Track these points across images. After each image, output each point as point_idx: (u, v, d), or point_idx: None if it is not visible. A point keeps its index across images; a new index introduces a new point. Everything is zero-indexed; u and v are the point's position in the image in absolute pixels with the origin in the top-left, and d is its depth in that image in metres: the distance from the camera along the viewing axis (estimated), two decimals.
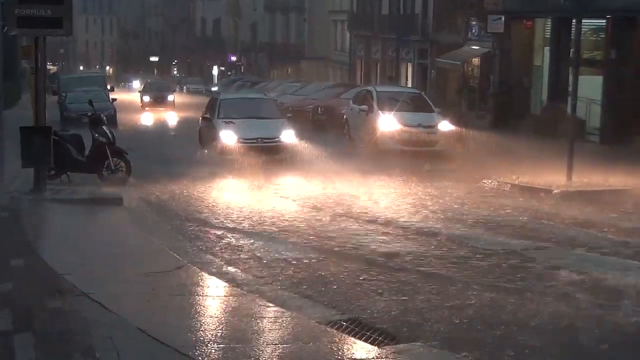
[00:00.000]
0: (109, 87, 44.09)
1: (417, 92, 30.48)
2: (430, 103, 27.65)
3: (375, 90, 27.97)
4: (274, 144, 22.86)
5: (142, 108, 51.76)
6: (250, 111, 24.40)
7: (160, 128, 40.04)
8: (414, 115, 25.70)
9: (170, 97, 53.06)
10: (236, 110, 24.29)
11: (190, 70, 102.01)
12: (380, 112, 25.83)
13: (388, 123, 25.13)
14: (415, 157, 23.68)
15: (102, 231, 12.47)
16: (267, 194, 17.48)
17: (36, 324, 7.42)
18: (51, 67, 76.58)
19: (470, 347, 7.34)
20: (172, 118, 45.94)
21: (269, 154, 22.33)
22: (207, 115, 25.28)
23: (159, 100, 52.40)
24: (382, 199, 16.88)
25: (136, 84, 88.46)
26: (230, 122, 23.29)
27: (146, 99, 52.85)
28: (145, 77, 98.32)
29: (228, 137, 22.75)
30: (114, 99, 37.39)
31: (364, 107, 26.88)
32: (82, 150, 17.96)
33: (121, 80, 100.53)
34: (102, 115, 18.99)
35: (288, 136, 23.25)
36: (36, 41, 15.77)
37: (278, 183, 19.12)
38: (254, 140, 22.64)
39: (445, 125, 25.89)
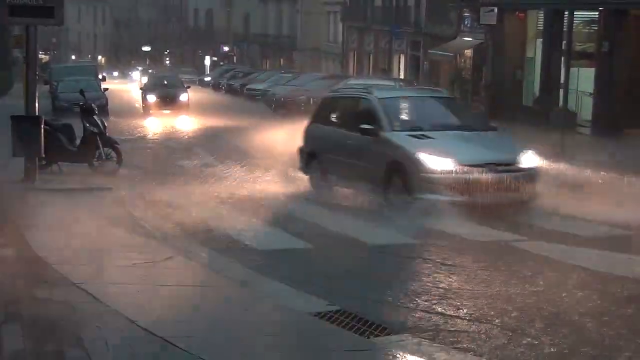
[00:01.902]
0: (100, 76, 44.07)
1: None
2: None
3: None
4: (512, 172, 13.78)
5: (146, 112, 39.49)
6: (439, 117, 15.49)
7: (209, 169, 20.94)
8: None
9: (183, 97, 40.09)
10: (419, 117, 15.50)
11: (182, 61, 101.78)
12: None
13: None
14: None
15: (92, 221, 12.43)
16: None
17: (25, 314, 7.40)
18: (43, 57, 76.28)
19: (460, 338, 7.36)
20: (204, 134, 30.12)
21: (503, 191, 13.58)
22: (346, 130, 15.65)
23: (168, 100, 39.58)
24: None
25: (136, 75, 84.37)
26: (423, 136, 14.26)
27: (151, 98, 39.96)
28: (132, 68, 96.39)
29: (436, 163, 13.48)
30: (106, 89, 37.33)
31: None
32: (73, 140, 17.94)
33: (112, 71, 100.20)
34: (93, 104, 18.97)
35: (528, 159, 14.26)
36: (27, 30, 15.72)
37: None
38: (482, 167, 13.53)
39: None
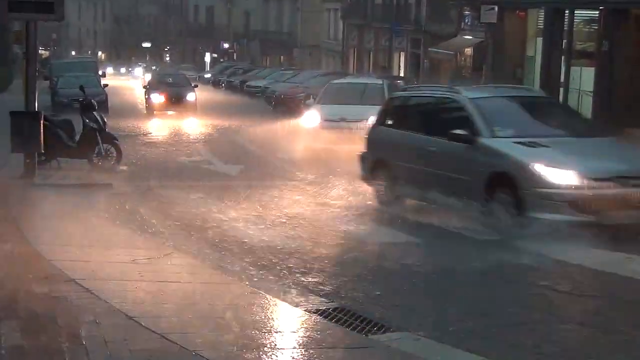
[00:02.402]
0: (100, 72, 44.06)
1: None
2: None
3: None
4: None
5: (149, 112, 36.68)
6: (546, 121, 13.73)
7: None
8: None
9: (190, 97, 36.96)
10: (522, 122, 13.54)
11: (183, 57, 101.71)
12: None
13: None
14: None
15: (91, 217, 12.44)
16: None
17: (23, 310, 7.40)
18: (43, 52, 76.23)
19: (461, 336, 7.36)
20: (222, 141, 26.59)
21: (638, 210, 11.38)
22: (427, 135, 13.69)
23: (174, 100, 36.49)
24: None
25: (138, 71, 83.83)
26: (534, 144, 12.26)
27: (156, 98, 36.69)
28: (133, 64, 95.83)
29: (556, 176, 11.47)
30: (106, 85, 37.33)
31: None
32: (72, 136, 17.93)
33: (119, 67, 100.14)
34: (93, 100, 18.97)
35: None
36: (27, 26, 15.71)
37: None
38: (611, 180, 11.52)
39: None
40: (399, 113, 15.00)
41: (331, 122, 22.42)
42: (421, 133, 13.81)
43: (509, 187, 11.68)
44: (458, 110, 13.27)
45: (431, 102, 14.45)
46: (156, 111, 36.15)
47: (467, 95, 13.45)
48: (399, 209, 13.77)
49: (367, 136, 15.63)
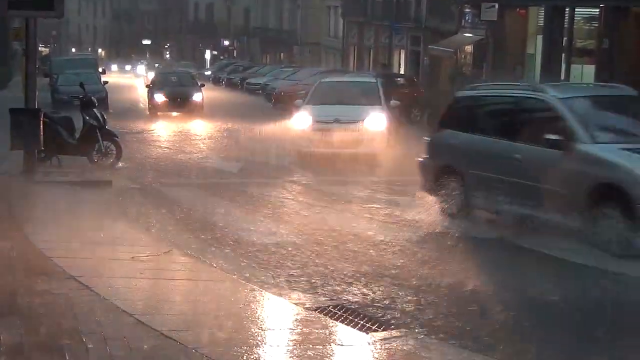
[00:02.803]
0: (100, 69, 44.03)
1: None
2: None
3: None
4: None
5: (152, 113, 34.22)
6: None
7: None
8: None
9: (197, 97, 34.77)
10: (626, 125, 12.38)
11: (182, 54, 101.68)
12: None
13: None
14: None
15: (91, 214, 12.43)
16: None
17: (23, 306, 7.40)
18: (43, 49, 76.13)
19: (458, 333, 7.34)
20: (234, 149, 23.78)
21: None
22: (508, 140, 12.24)
23: (179, 101, 34.20)
24: None
25: (141, 69, 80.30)
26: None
27: (159, 98, 34.21)
28: (135, 62, 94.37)
29: None
30: (106, 82, 37.30)
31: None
32: (72, 133, 17.92)
33: (105, 63, 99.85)
34: (93, 97, 18.95)
35: None
36: (27, 23, 15.69)
37: None
38: None
39: None
40: (470, 115, 13.52)
41: (324, 123, 20.26)
42: (501, 137, 12.35)
43: (618, 200, 10.39)
44: (546, 111, 11.87)
45: (511, 102, 12.84)
46: (160, 112, 33.84)
47: (556, 94, 11.94)
48: (476, 225, 12.44)
49: (431, 141, 14.10)
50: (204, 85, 37.77)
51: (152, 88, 35.47)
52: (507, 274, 9.83)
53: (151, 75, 49.72)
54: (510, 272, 9.95)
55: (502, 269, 10.14)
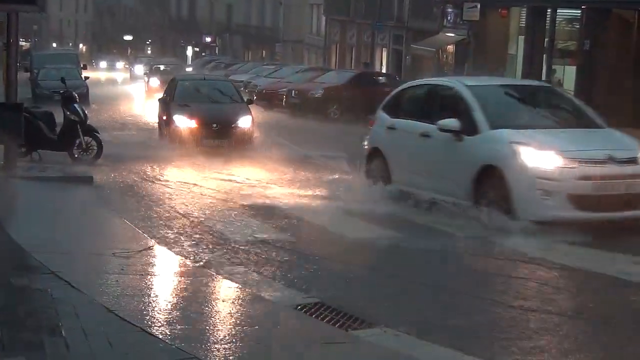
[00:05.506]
0: (81, 64, 43.88)
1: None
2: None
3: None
4: None
5: (172, 147, 20.89)
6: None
7: None
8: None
9: (244, 121, 21.56)
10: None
11: (164, 51, 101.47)
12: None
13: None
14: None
15: (71, 210, 12.40)
16: None
17: (2, 302, 7.37)
18: (24, 44, 75.71)
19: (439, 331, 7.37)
20: None
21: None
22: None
23: (219, 128, 21.21)
24: None
25: (139, 69, 64.90)
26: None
27: (186, 122, 21.30)
28: (134, 60, 77.83)
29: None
30: (87, 77, 37.18)
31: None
32: (53, 128, 17.85)
33: (94, 59, 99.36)
34: (74, 93, 18.89)
35: None
36: (8, 17, 15.60)
37: None
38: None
39: None
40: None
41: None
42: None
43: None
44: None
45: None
46: (188, 145, 20.68)
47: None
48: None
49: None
50: (253, 102, 26.03)
51: (169, 103, 22.63)
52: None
53: (153, 79, 44.90)
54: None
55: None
